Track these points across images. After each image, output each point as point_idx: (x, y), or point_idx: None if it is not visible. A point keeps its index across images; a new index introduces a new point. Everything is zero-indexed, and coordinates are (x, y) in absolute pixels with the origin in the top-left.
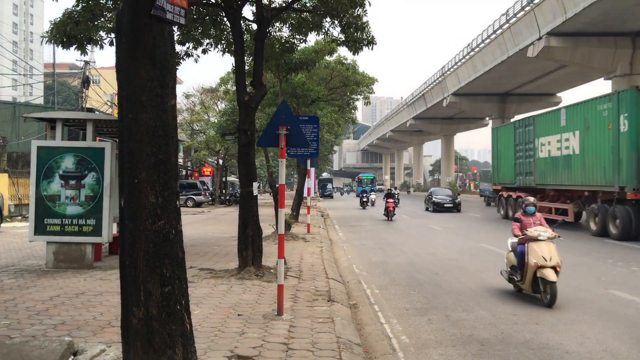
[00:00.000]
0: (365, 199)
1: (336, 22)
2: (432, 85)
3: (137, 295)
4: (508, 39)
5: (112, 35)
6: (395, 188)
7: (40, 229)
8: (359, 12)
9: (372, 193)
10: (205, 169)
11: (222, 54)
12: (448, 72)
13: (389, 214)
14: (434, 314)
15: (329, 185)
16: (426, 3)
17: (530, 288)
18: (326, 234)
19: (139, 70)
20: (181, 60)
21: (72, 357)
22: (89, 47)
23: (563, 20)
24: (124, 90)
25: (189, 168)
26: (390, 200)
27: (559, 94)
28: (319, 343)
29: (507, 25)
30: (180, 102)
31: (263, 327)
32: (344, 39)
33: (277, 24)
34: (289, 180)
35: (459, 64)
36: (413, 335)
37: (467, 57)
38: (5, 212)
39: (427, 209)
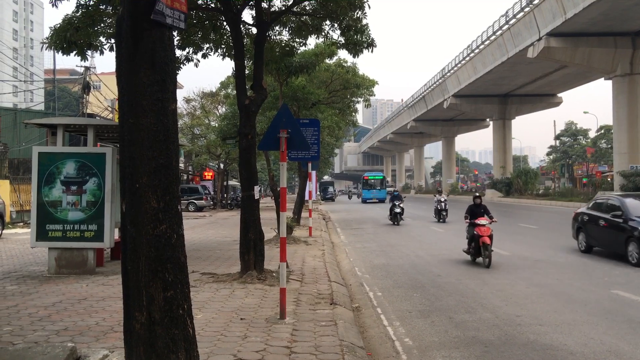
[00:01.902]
0: (398, 210)
1: (336, 25)
2: (432, 87)
3: (139, 300)
4: (508, 40)
5: (112, 40)
6: (479, 197)
7: (42, 235)
8: (358, 15)
9: (401, 202)
10: (206, 173)
11: (222, 58)
12: (448, 74)
13: (482, 250)
14: (437, 316)
15: (330, 188)
16: (426, 5)
17: None
18: (328, 237)
19: (139, 75)
20: (181, 65)
21: None
22: (89, 52)
23: (563, 21)
24: (124, 95)
25: (190, 172)
26: (483, 221)
27: (559, 94)
28: (322, 346)
29: (506, 26)
30: (181, 106)
31: (266, 330)
32: (343, 41)
33: (277, 28)
34: (290, 183)
35: (459, 65)
36: (416, 338)
37: (467, 58)
38: (7, 219)
39: (585, 249)
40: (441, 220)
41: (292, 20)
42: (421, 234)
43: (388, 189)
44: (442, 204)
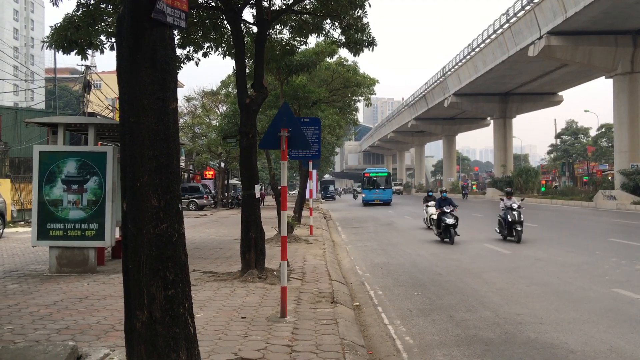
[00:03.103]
0: (451, 221)
1: (336, 23)
2: (433, 86)
3: (140, 298)
4: (508, 39)
5: (113, 39)
6: None
7: (43, 233)
8: (359, 14)
9: (454, 208)
10: (207, 172)
11: (223, 57)
12: (449, 73)
13: None
14: (438, 315)
15: (331, 187)
16: (426, 4)
17: None
18: (329, 236)
19: (140, 74)
20: (182, 64)
21: None
22: (89, 51)
23: (563, 19)
24: (125, 94)
25: (190, 171)
26: None
27: (560, 93)
28: (323, 345)
29: (507, 24)
30: (182, 105)
31: (267, 329)
32: (344, 40)
33: (278, 27)
34: (291, 182)
35: (460, 64)
36: (417, 336)
37: (468, 57)
38: (8, 218)
39: None
40: (513, 238)
41: (293, 19)
42: (423, 233)
43: (399, 188)
44: (515, 212)
